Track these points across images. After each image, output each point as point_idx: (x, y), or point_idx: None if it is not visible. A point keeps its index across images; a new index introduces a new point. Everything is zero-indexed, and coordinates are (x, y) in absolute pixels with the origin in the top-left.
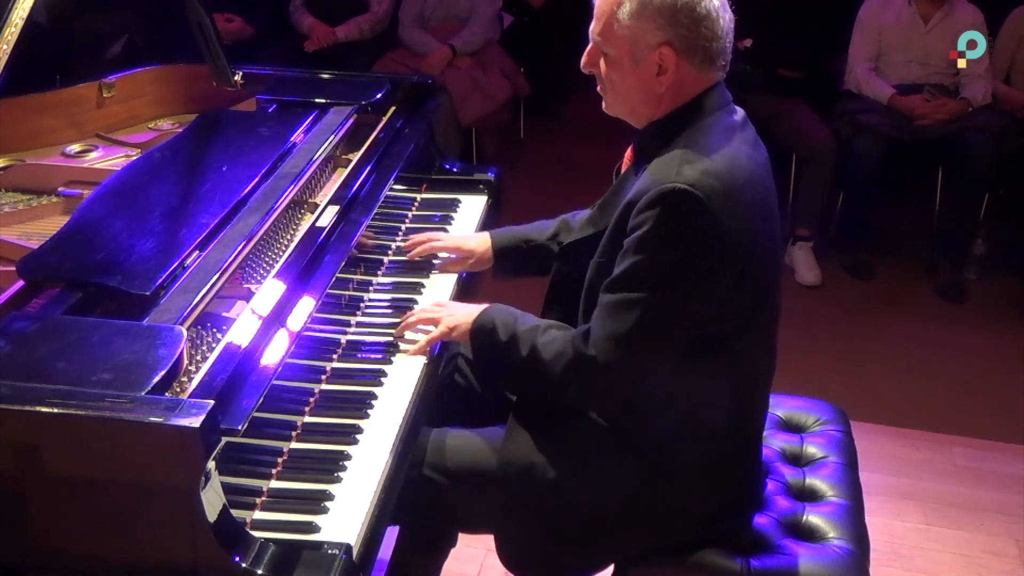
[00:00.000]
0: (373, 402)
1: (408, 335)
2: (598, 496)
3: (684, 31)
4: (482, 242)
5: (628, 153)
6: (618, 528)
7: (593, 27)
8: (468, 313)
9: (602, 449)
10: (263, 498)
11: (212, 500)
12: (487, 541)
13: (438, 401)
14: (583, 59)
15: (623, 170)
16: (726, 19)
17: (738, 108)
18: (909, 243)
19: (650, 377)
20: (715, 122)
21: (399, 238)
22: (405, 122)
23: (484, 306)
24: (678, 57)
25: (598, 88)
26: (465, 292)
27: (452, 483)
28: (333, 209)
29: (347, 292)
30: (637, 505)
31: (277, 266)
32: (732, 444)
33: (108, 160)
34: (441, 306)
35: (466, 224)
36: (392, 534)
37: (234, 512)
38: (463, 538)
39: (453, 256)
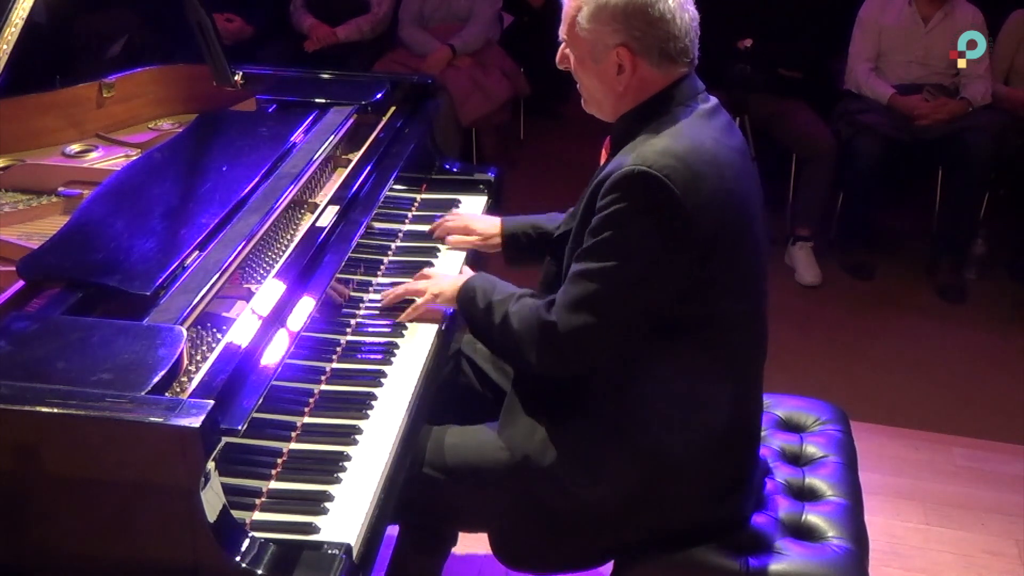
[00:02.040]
0: (373, 403)
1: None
2: (594, 490)
3: (639, 32)
4: (492, 226)
5: (605, 145)
6: (615, 522)
7: (561, 28)
8: (453, 281)
9: (599, 444)
10: (263, 499)
11: (212, 500)
12: (487, 542)
13: (439, 399)
14: (557, 58)
15: (602, 162)
16: (685, 18)
17: (711, 97)
18: (909, 243)
19: (609, 348)
20: (682, 111)
21: (399, 238)
22: (405, 122)
23: (472, 274)
24: (635, 56)
25: (577, 86)
26: None
27: (451, 480)
28: (333, 209)
29: (347, 292)
30: (634, 499)
31: (277, 266)
32: (727, 438)
33: (108, 160)
34: (427, 277)
35: None
36: (392, 534)
37: (234, 512)
38: (463, 539)
39: (467, 238)
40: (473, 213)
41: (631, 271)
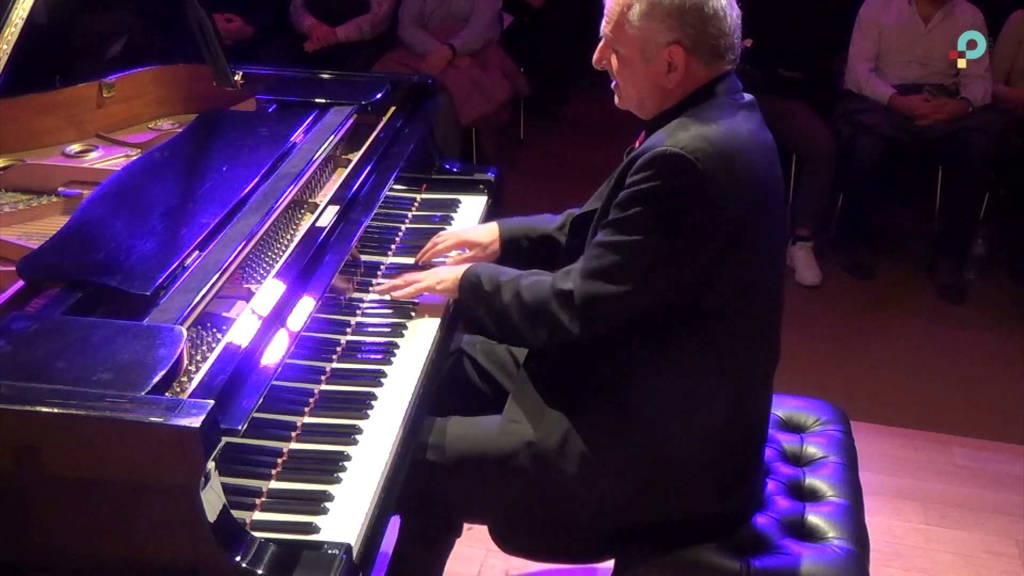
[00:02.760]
0: (373, 403)
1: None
2: (595, 484)
3: (692, 30)
4: (489, 233)
5: (640, 139)
6: (615, 515)
7: (604, 26)
8: (455, 270)
9: (600, 437)
10: (263, 499)
11: (212, 500)
12: (487, 541)
13: (440, 395)
14: (595, 55)
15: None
16: (733, 16)
17: (748, 95)
18: (909, 243)
19: (619, 319)
20: (721, 103)
21: (399, 238)
22: (405, 122)
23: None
24: (687, 55)
25: (612, 84)
26: None
27: (452, 469)
28: (333, 209)
29: (347, 292)
30: (635, 493)
31: (277, 266)
32: (729, 435)
33: (108, 160)
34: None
35: (466, 224)
36: (393, 534)
37: (234, 512)
38: (463, 539)
39: (464, 251)
40: (463, 228)
41: (653, 247)
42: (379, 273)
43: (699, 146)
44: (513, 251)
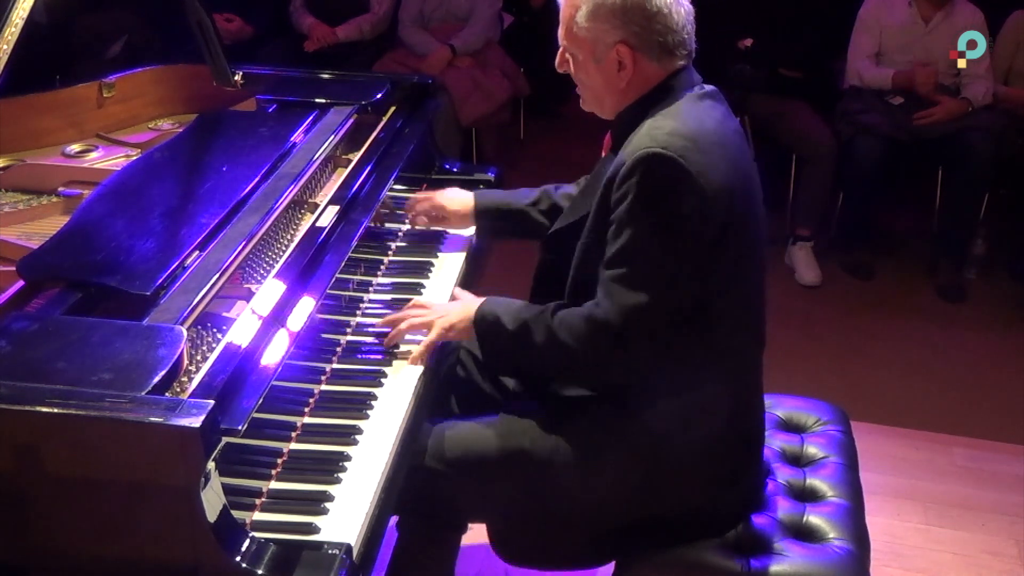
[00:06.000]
0: (373, 403)
1: (405, 343)
2: (594, 485)
3: (637, 28)
4: (463, 203)
5: (606, 141)
6: (614, 516)
7: (559, 31)
8: (463, 309)
9: (598, 438)
10: (263, 499)
11: (212, 500)
12: (487, 542)
13: (439, 394)
14: (556, 60)
15: (603, 156)
16: (681, 12)
17: (708, 86)
18: (909, 243)
19: (661, 328)
20: (682, 97)
21: (399, 238)
22: (405, 122)
23: (477, 300)
24: (635, 53)
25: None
26: (467, 287)
27: (451, 472)
28: (333, 209)
29: (347, 292)
30: (633, 492)
31: (277, 266)
32: (728, 432)
33: (108, 160)
34: (427, 308)
35: (465, 228)
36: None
37: (234, 512)
38: (464, 539)
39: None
40: (445, 189)
41: (664, 249)
42: (379, 273)
43: (679, 143)
44: (486, 221)
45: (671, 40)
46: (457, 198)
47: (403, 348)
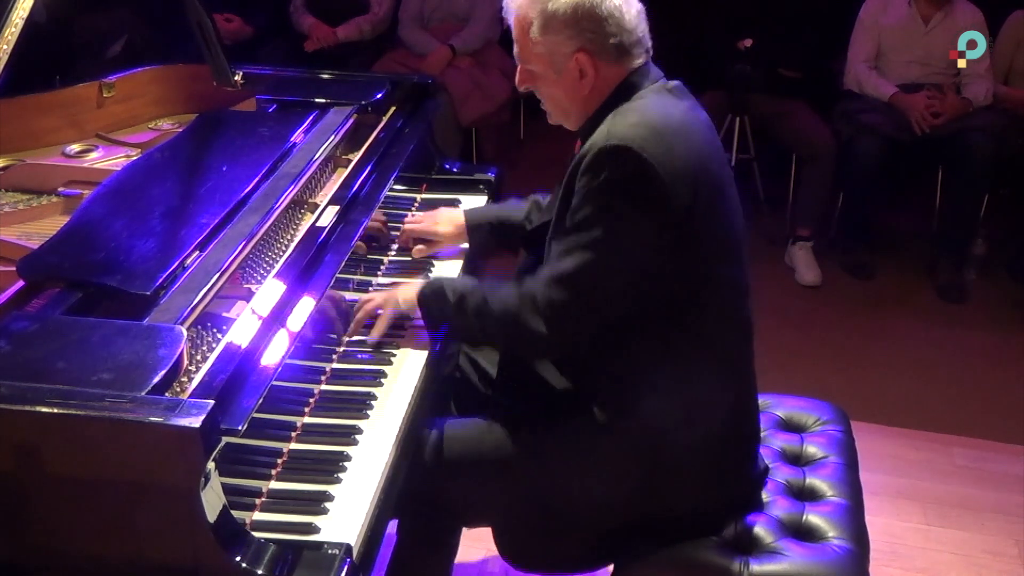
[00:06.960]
0: (373, 403)
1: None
2: (593, 484)
3: (591, 34)
4: (454, 223)
5: (576, 146)
6: (614, 516)
7: (515, 51)
8: (412, 286)
9: (595, 438)
10: (263, 499)
11: (212, 500)
12: (488, 543)
13: (439, 395)
14: (516, 79)
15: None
16: (632, 12)
17: (672, 81)
18: (909, 243)
19: (590, 324)
20: (644, 93)
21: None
22: (405, 122)
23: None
24: (593, 59)
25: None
26: None
27: (449, 472)
28: (333, 209)
29: (347, 292)
30: (633, 492)
31: (277, 266)
32: (724, 433)
33: (108, 160)
34: (379, 294)
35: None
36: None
37: (234, 512)
38: (463, 540)
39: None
40: (435, 211)
41: (613, 244)
42: (379, 273)
43: (637, 133)
44: (478, 238)
45: (626, 40)
46: (448, 218)
47: (402, 348)
